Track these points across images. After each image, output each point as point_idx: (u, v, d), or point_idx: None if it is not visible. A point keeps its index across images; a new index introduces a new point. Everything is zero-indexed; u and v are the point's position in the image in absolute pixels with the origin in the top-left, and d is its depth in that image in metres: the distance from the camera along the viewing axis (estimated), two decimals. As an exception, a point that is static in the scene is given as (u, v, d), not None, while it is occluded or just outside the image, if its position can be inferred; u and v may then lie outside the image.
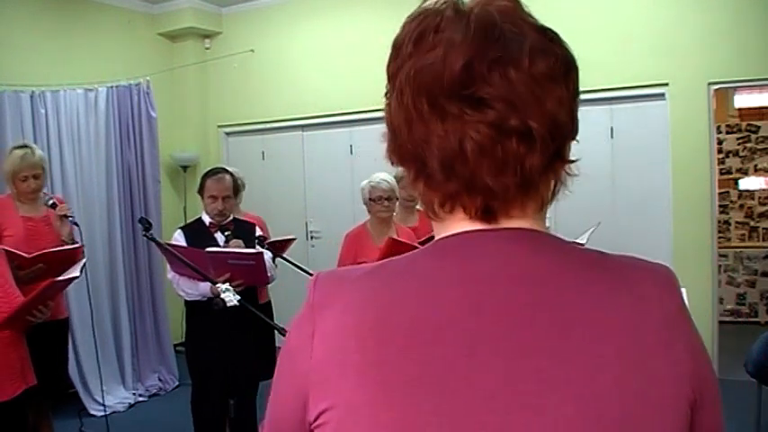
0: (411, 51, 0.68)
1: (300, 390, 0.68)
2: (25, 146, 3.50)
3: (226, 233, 3.37)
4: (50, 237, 3.35)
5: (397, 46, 0.70)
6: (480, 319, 0.64)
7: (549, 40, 0.67)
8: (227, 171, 3.50)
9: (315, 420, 0.66)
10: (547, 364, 0.62)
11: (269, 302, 4.22)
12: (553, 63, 0.66)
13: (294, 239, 4.21)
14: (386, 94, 0.71)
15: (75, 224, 3.44)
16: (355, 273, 0.71)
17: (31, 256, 3.02)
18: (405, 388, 0.63)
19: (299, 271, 3.30)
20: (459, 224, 0.69)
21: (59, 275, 2.96)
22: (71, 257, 3.21)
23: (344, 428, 0.64)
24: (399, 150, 0.70)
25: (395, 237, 3.45)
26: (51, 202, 3.41)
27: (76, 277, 2.99)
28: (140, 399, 4.98)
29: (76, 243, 3.47)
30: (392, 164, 0.72)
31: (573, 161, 0.70)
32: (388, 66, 0.70)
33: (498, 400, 0.62)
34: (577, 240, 3.52)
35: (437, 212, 0.70)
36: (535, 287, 0.65)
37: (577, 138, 0.71)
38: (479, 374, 0.62)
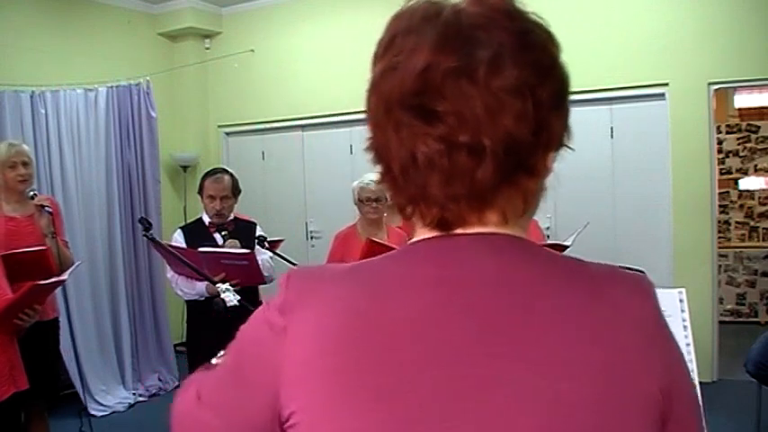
0: (381, 54, 0.68)
1: (272, 384, 0.66)
2: (6, 141, 3.54)
3: (223, 233, 3.38)
4: (33, 237, 3.28)
5: (377, 45, 0.69)
6: (451, 324, 0.63)
7: (525, 47, 0.63)
8: (226, 171, 3.51)
9: (286, 421, 0.65)
10: (518, 370, 0.62)
11: (268, 303, 4.21)
12: (518, 74, 0.62)
13: (282, 240, 4.20)
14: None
15: (50, 213, 3.38)
16: (330, 272, 0.70)
17: None
18: (374, 394, 0.62)
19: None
20: (425, 229, 0.69)
21: (38, 276, 2.91)
22: (39, 258, 3.13)
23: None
24: (371, 151, 0.70)
25: (376, 239, 3.45)
26: (32, 193, 3.38)
27: (63, 281, 2.95)
28: (140, 399, 4.97)
29: (63, 238, 3.46)
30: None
31: (544, 174, 0.68)
32: (371, 65, 0.70)
33: (469, 407, 0.61)
34: (564, 243, 3.51)
35: (405, 214, 0.70)
36: (508, 293, 0.64)
37: (570, 145, 0.69)
38: (449, 381, 0.61)
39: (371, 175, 3.63)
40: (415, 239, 0.70)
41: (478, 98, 0.61)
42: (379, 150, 0.68)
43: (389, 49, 0.66)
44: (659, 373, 0.64)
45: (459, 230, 0.67)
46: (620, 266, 0.71)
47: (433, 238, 0.68)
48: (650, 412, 0.63)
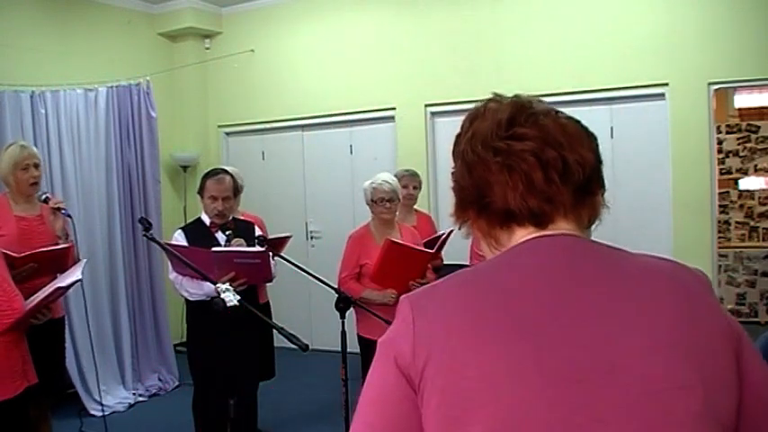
0: (467, 126, 0.92)
1: (405, 370, 0.81)
2: (17, 142, 3.55)
3: (227, 233, 3.38)
4: (44, 236, 3.34)
5: (458, 134, 0.93)
6: (543, 288, 0.81)
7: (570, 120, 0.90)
8: (227, 172, 3.51)
9: (422, 374, 0.78)
10: (615, 310, 0.80)
11: (267, 303, 4.22)
12: (575, 123, 0.89)
13: (290, 237, 4.20)
14: (452, 169, 0.93)
15: (69, 216, 3.42)
16: (443, 285, 0.86)
17: (21, 255, 3.03)
18: (506, 334, 0.78)
19: (298, 271, 3.29)
20: (519, 235, 0.88)
21: (52, 273, 3.03)
22: (62, 256, 3.24)
23: (451, 372, 0.77)
24: (462, 200, 0.90)
25: (393, 238, 3.43)
26: (45, 196, 3.42)
27: (79, 280, 3.00)
28: (140, 399, 4.98)
29: (70, 238, 3.48)
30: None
31: (601, 199, 0.90)
32: (453, 149, 0.93)
33: (585, 338, 0.78)
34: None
35: (498, 238, 0.89)
36: (599, 271, 0.83)
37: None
38: (564, 323, 0.78)
39: (384, 174, 3.61)
40: (513, 244, 0.88)
41: (553, 128, 0.86)
42: (472, 190, 0.88)
43: (474, 121, 0.91)
44: (726, 324, 0.84)
45: (550, 226, 0.86)
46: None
47: (530, 240, 0.87)
48: (729, 350, 0.82)
